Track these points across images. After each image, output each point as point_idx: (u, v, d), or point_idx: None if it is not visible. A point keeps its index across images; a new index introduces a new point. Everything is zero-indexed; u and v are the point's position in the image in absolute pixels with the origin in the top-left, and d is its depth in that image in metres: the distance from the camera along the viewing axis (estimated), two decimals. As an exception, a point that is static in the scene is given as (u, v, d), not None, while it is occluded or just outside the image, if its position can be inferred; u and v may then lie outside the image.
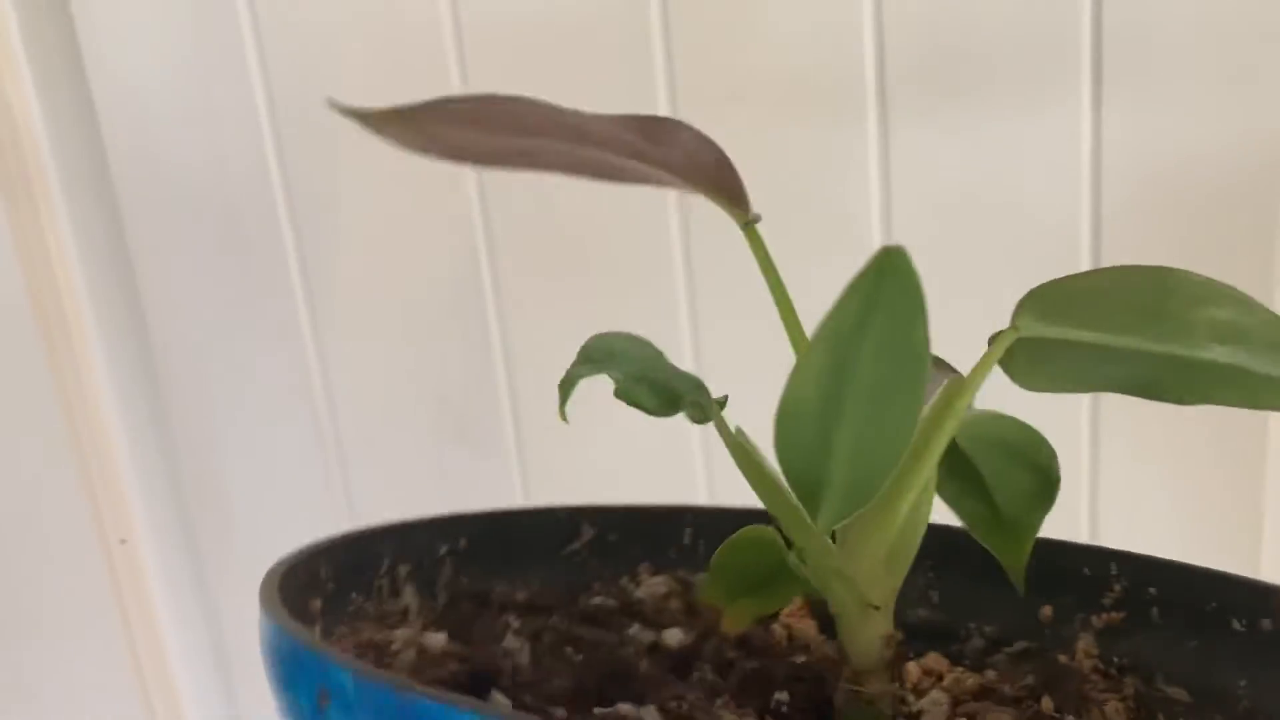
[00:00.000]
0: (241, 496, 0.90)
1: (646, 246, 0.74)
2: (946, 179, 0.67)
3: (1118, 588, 0.40)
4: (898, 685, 0.37)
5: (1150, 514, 0.68)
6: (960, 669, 0.39)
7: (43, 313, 0.86)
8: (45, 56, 0.81)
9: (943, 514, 0.38)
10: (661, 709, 0.33)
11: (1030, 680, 0.37)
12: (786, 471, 0.32)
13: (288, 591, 0.32)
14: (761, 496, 0.36)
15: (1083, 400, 0.68)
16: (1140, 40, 0.62)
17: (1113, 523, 0.68)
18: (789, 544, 0.38)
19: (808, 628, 0.43)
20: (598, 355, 0.42)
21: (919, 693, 0.37)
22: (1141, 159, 0.63)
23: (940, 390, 0.34)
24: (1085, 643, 0.40)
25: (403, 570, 0.40)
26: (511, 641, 0.37)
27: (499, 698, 0.33)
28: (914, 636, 0.40)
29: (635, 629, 0.40)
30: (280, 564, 0.33)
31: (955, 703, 0.36)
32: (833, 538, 0.35)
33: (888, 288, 0.29)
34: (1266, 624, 0.36)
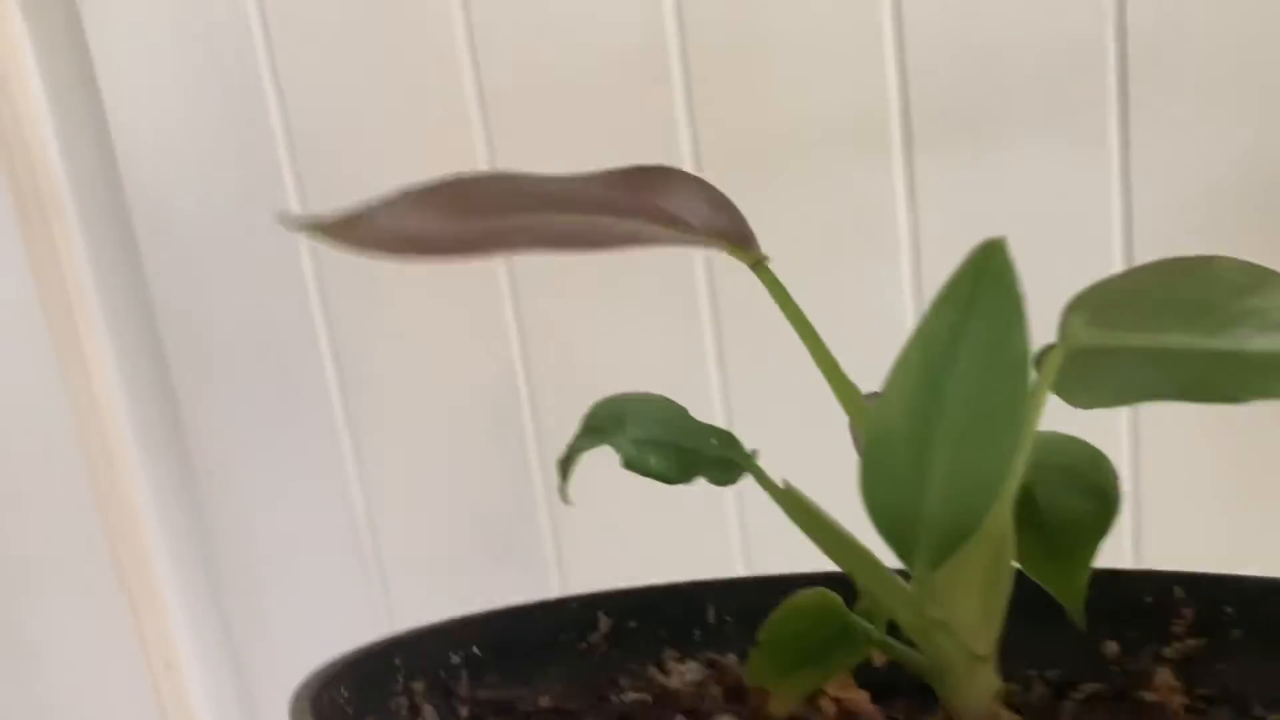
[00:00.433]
0: (281, 611, 0.89)
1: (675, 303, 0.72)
2: (974, 213, 0.66)
3: (1187, 612, 0.37)
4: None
5: (1200, 525, 0.66)
6: (1038, 721, 0.36)
7: (85, 435, 0.85)
8: (99, 238, 0.79)
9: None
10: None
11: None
12: (874, 509, 0.28)
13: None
14: (827, 550, 0.32)
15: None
16: (1166, 62, 0.61)
17: (1159, 540, 0.66)
18: (850, 604, 0.35)
19: (859, 699, 0.39)
20: (603, 422, 0.38)
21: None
22: (1171, 183, 0.62)
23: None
24: (1164, 677, 0.37)
25: (418, 687, 0.35)
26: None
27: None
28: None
29: (681, 723, 0.36)
30: (302, 690, 0.29)
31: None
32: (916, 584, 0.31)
33: (986, 290, 0.26)
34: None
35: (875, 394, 0.31)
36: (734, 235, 0.36)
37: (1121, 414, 0.67)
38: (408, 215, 0.37)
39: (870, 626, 0.34)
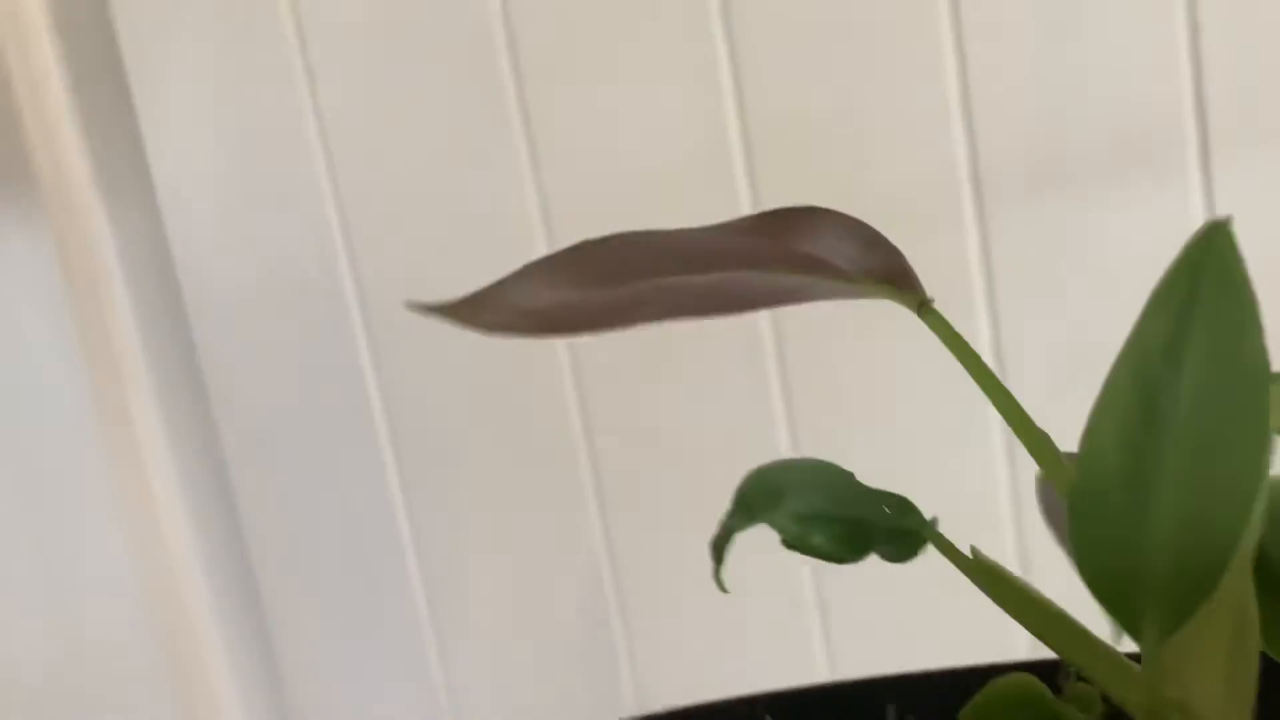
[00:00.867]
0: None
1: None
2: (1054, 278, 0.61)
3: None
4: None
5: None
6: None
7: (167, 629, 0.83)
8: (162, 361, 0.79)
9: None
10: None
11: None
12: (1087, 565, 0.24)
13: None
14: (1030, 626, 0.28)
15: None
16: (1246, 112, 0.57)
17: None
18: (1058, 689, 0.30)
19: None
20: (757, 497, 0.34)
21: None
22: (1256, 237, 0.57)
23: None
24: None
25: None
26: None
27: None
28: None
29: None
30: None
31: None
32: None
33: (1209, 288, 0.22)
34: None
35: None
36: (893, 277, 0.32)
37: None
38: (538, 288, 0.35)
39: (1084, 717, 0.29)
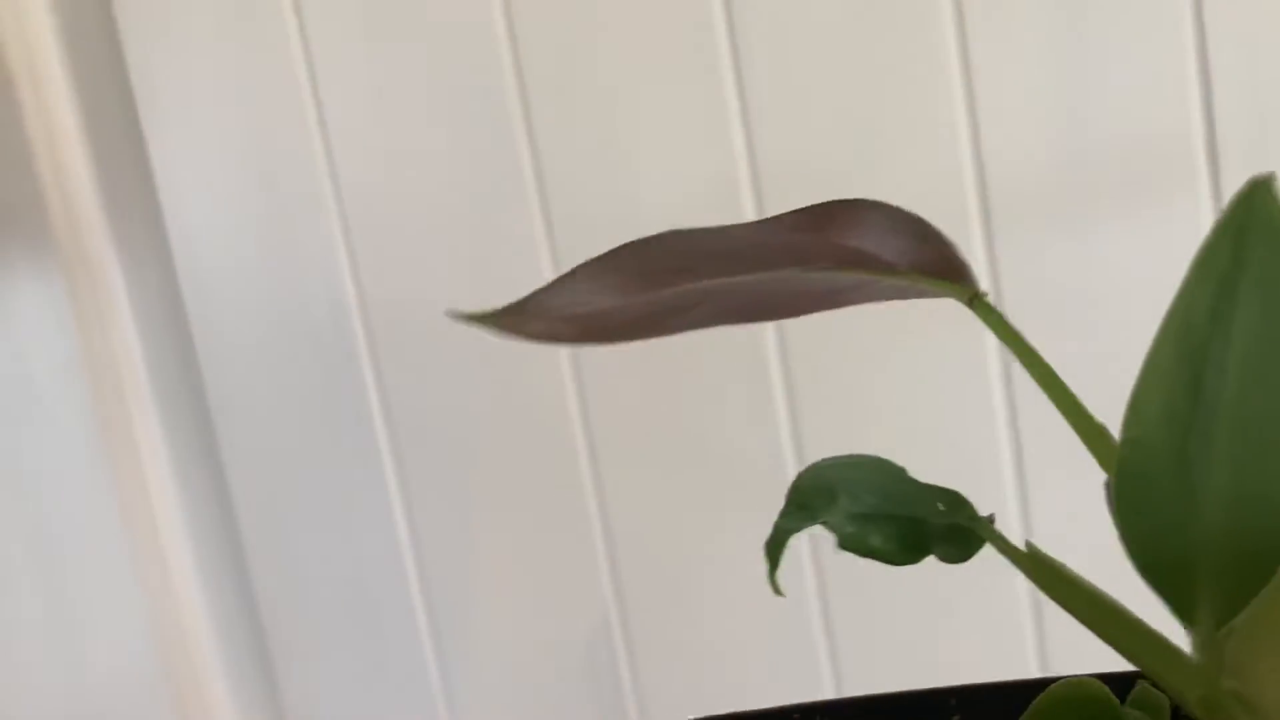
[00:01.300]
0: None
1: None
2: (1063, 306, 0.60)
3: None
4: None
5: None
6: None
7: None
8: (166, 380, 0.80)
9: None
10: None
11: None
12: (1135, 548, 0.23)
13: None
14: (1086, 620, 0.26)
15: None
16: (1255, 136, 0.56)
17: None
18: (1125, 688, 0.29)
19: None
20: (811, 496, 0.33)
21: None
22: None
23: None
24: None
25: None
26: None
27: None
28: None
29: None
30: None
31: None
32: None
33: (1256, 248, 0.20)
34: None
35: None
36: (944, 269, 0.31)
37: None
38: (583, 294, 0.34)
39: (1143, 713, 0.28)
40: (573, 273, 0.34)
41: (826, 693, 0.67)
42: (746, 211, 0.65)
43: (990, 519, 0.30)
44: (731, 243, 0.34)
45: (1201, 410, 0.22)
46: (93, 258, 0.78)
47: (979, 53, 0.61)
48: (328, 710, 0.83)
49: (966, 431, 0.64)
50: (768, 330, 0.67)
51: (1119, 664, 0.31)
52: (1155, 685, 0.28)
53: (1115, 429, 0.26)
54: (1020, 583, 0.64)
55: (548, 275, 0.68)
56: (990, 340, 0.63)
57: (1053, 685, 0.29)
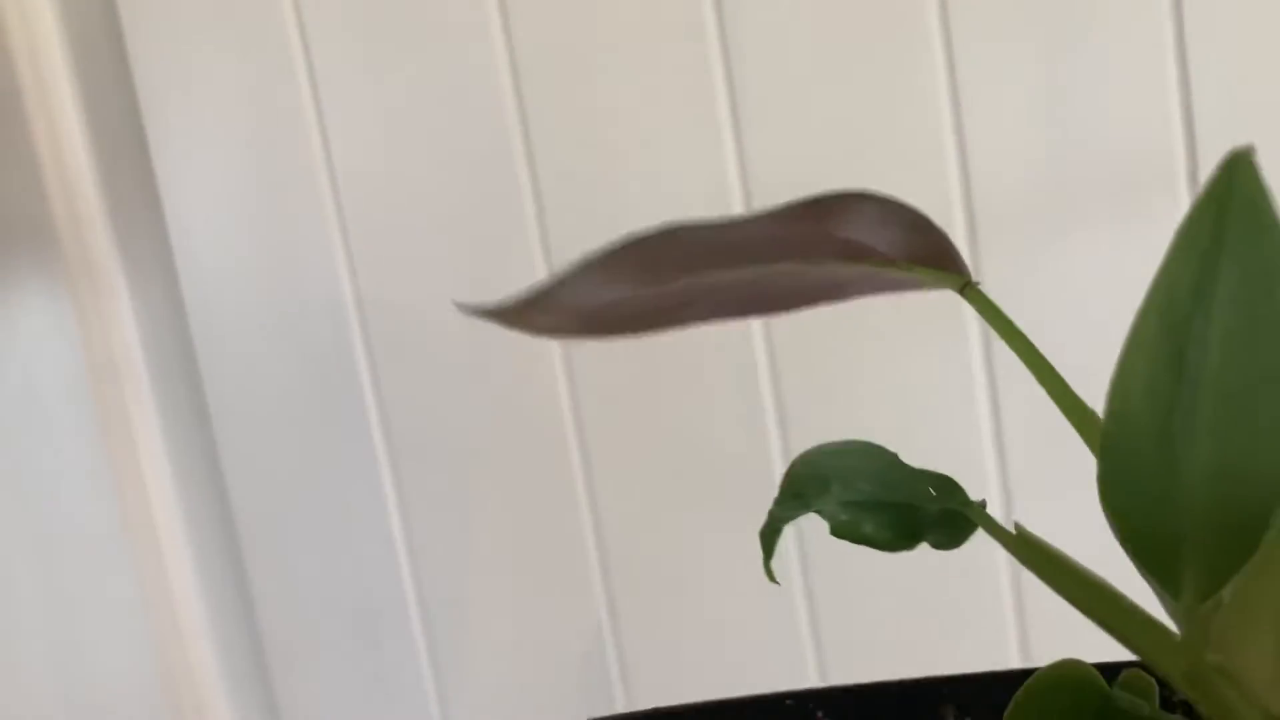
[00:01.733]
0: None
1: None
2: (1045, 316, 0.61)
3: None
4: None
5: None
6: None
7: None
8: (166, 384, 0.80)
9: None
10: None
11: None
12: (1119, 523, 0.23)
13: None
14: (1074, 600, 0.27)
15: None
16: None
17: None
18: (1112, 677, 0.29)
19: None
20: (805, 485, 0.34)
21: None
22: None
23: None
24: None
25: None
26: None
27: None
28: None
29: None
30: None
31: None
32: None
33: (1237, 223, 0.21)
34: None
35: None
36: (937, 258, 0.32)
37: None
38: (591, 288, 0.34)
39: (1141, 702, 0.28)
40: (576, 267, 0.34)
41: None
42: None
43: (982, 504, 0.31)
44: (731, 236, 0.35)
45: (1184, 385, 0.22)
46: (96, 264, 0.78)
47: (965, 67, 0.61)
48: (325, 716, 0.83)
49: (951, 427, 0.64)
50: (755, 330, 0.67)
51: (1101, 656, 0.31)
52: (1144, 668, 0.29)
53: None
54: (1002, 574, 0.65)
55: (537, 256, 0.69)
56: (974, 335, 0.64)
57: (1041, 669, 0.29)
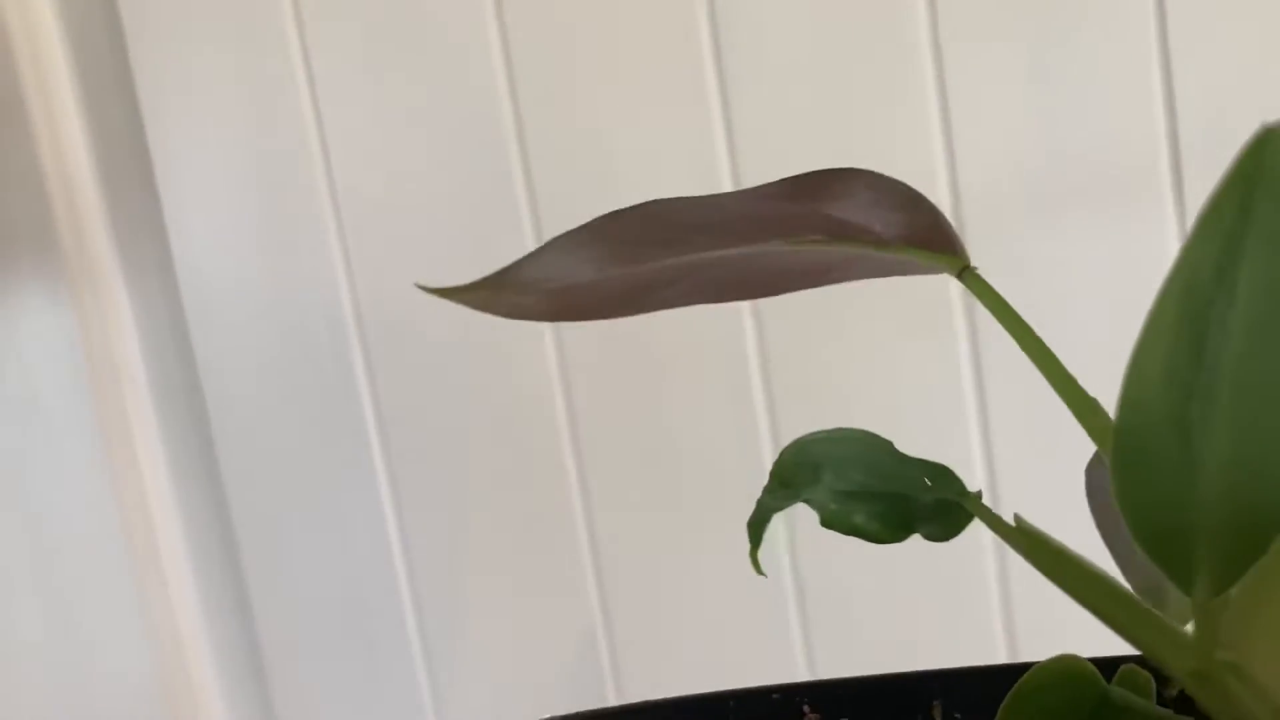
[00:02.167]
0: None
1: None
2: (1033, 314, 0.61)
3: None
4: None
5: None
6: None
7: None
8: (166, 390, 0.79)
9: None
10: None
11: None
12: (1132, 515, 0.22)
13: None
14: (1076, 594, 0.26)
15: None
16: (1218, 146, 0.57)
17: None
18: (1108, 672, 0.28)
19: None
20: (795, 473, 0.33)
21: None
22: None
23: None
24: None
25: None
26: None
27: None
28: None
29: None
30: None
31: None
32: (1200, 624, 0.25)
33: (1265, 202, 0.20)
34: None
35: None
36: (933, 240, 0.31)
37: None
38: (563, 266, 0.33)
39: (1139, 700, 0.27)
40: (551, 244, 0.33)
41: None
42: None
43: (978, 495, 0.30)
44: (715, 213, 0.34)
45: (1204, 372, 0.21)
46: (97, 267, 0.78)
47: (953, 69, 0.61)
48: (320, 717, 0.82)
49: (939, 419, 0.64)
50: (745, 320, 0.67)
51: (1088, 650, 0.30)
52: (1142, 664, 0.28)
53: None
54: (990, 569, 0.64)
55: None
56: (960, 325, 0.63)
57: (1038, 664, 0.29)
